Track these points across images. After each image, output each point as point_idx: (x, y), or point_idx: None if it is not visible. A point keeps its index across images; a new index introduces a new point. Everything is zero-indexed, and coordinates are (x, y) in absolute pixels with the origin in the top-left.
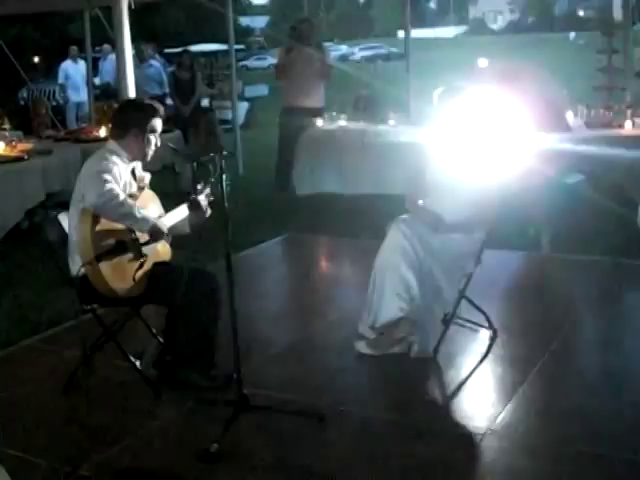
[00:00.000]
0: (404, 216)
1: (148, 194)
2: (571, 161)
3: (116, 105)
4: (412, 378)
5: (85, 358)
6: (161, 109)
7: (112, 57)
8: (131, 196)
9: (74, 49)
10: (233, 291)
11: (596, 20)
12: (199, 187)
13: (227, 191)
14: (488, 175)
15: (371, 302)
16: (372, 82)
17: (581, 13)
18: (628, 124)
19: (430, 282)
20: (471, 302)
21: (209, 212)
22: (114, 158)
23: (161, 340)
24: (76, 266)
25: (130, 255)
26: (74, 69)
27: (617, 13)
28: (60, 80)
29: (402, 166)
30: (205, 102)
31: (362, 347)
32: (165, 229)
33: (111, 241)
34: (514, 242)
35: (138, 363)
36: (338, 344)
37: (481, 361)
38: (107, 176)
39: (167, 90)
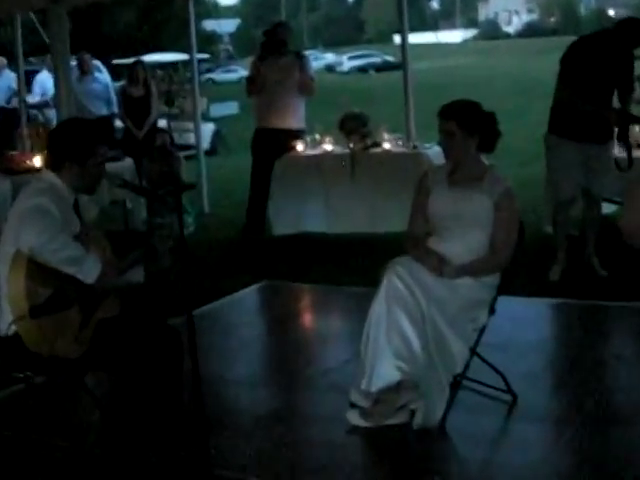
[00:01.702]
0: (402, 258)
1: (94, 235)
2: None
3: (53, 128)
4: (415, 455)
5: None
6: (108, 133)
7: (46, 72)
8: (75, 237)
9: (1, 60)
10: (196, 354)
11: None
12: (155, 226)
13: (190, 232)
14: (505, 206)
15: (365, 363)
16: (363, 97)
17: (611, 12)
18: None
19: (435, 337)
20: (484, 360)
21: (168, 258)
22: (51, 192)
23: (109, 413)
24: (5, 323)
25: (72, 309)
26: None
27: None
28: None
29: (399, 199)
30: (162, 123)
31: (355, 418)
32: (115, 278)
33: (49, 292)
34: (523, 284)
35: None
36: (326, 414)
37: (500, 433)
38: (45, 213)
39: (116, 110)
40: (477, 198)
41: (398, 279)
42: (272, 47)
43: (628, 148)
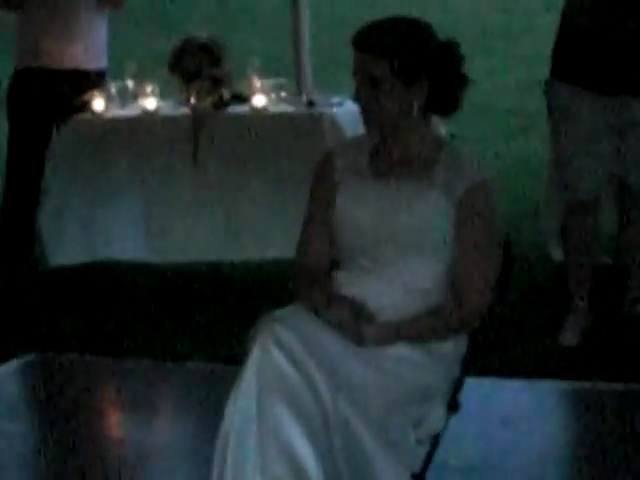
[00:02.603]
0: (286, 311)
1: None
2: None
3: None
4: None
5: None
6: None
7: None
8: None
9: None
10: None
11: None
12: None
13: None
14: (476, 213)
15: None
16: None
17: None
18: None
19: (347, 456)
20: None
21: None
22: None
23: None
24: None
25: None
26: None
27: None
28: None
29: (281, 200)
30: None
31: None
32: None
33: None
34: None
35: None
36: None
37: None
38: None
39: None
40: (425, 198)
41: (280, 351)
42: None
43: None
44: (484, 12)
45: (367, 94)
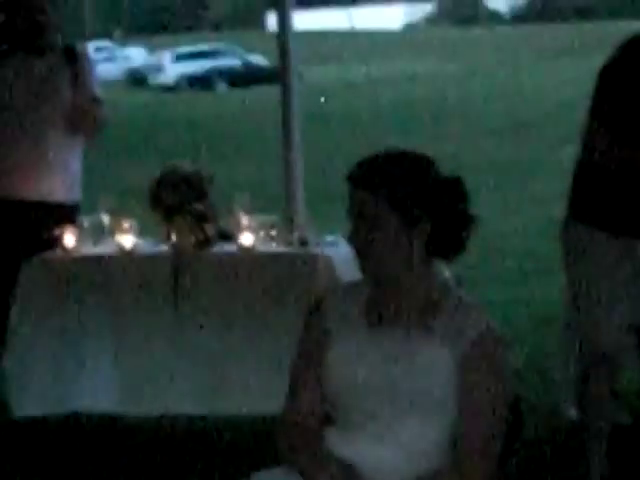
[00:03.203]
0: (271, 473)
1: None
2: None
3: None
4: None
5: None
6: None
7: None
8: None
9: None
10: None
11: None
12: None
13: None
14: (483, 367)
15: None
16: (204, 140)
17: None
18: None
19: None
20: None
21: None
22: None
23: None
24: None
25: None
26: None
27: None
28: None
29: (269, 350)
30: None
31: None
32: None
33: None
34: None
35: None
36: None
37: None
38: None
39: None
40: (426, 352)
41: None
42: (17, 36)
43: None
44: (495, 146)
45: (363, 235)
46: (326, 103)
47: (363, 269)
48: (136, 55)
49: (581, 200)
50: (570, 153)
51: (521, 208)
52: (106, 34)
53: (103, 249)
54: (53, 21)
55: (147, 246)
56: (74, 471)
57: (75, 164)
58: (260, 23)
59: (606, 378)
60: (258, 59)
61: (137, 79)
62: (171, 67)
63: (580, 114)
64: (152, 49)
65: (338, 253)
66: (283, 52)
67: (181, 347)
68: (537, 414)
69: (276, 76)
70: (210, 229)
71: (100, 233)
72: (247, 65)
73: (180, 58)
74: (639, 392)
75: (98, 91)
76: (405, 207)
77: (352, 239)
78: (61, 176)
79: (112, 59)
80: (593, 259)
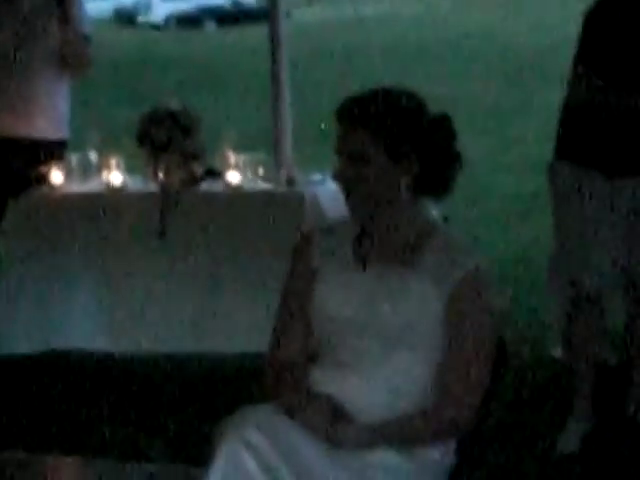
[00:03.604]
0: (257, 410)
1: None
2: None
3: None
4: None
5: None
6: None
7: None
8: None
9: None
10: None
11: None
12: None
13: None
14: (469, 306)
15: None
16: (191, 78)
17: None
18: None
19: None
20: None
21: None
22: None
23: None
24: None
25: None
26: None
27: None
28: None
29: (257, 288)
30: None
31: None
32: None
33: None
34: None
35: None
36: None
37: None
38: None
39: None
40: (413, 289)
41: (248, 453)
42: None
43: None
44: (483, 87)
45: (350, 172)
46: (315, 41)
47: (350, 204)
48: None
49: (568, 140)
50: (558, 95)
51: (508, 149)
52: None
53: (91, 186)
54: None
55: (135, 183)
56: (60, 407)
57: (63, 102)
58: None
59: (592, 318)
60: None
61: (126, 17)
62: (160, 5)
63: (568, 56)
64: None
65: (325, 191)
66: None
67: (169, 284)
68: (523, 353)
69: (264, 15)
70: (197, 167)
71: (88, 170)
72: (236, 4)
73: None
74: (625, 333)
75: (87, 29)
76: (392, 144)
77: (339, 176)
78: (49, 113)
79: None
80: (581, 201)
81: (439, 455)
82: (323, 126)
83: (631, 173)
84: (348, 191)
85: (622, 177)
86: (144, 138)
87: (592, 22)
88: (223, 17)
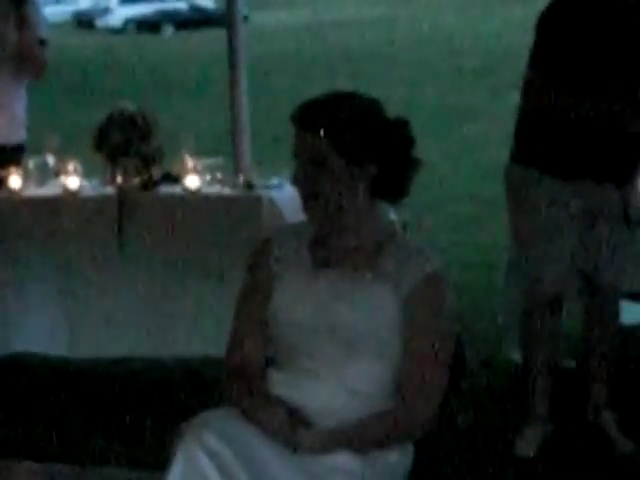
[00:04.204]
0: (215, 414)
1: None
2: None
3: None
4: None
5: None
6: None
7: None
8: None
9: None
10: None
11: None
12: None
13: None
14: (426, 309)
15: None
16: (149, 81)
17: None
18: None
19: None
20: None
21: None
22: None
23: None
24: None
25: None
26: None
27: None
28: None
29: (213, 291)
30: None
31: None
32: None
33: None
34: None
35: None
36: None
37: None
38: None
39: None
40: (370, 293)
41: (207, 458)
42: None
43: None
44: (441, 91)
45: (308, 176)
46: (273, 46)
47: (307, 208)
48: None
49: (524, 144)
50: (514, 99)
51: (464, 153)
52: None
53: (48, 190)
54: None
55: (92, 187)
56: (17, 411)
57: (19, 105)
58: None
59: (548, 320)
60: (205, 2)
61: (84, 22)
62: (118, 10)
63: (524, 61)
64: None
65: (283, 195)
66: None
67: (128, 288)
68: (481, 355)
69: (223, 20)
70: (155, 171)
71: (45, 174)
72: (194, 8)
73: (127, 1)
74: (582, 335)
75: (44, 33)
76: (349, 148)
77: (296, 180)
78: (5, 117)
79: (59, 1)
80: (536, 201)
81: (397, 458)
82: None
83: (584, 176)
84: (306, 195)
85: (576, 180)
86: (101, 142)
87: (543, 26)
88: (181, 22)
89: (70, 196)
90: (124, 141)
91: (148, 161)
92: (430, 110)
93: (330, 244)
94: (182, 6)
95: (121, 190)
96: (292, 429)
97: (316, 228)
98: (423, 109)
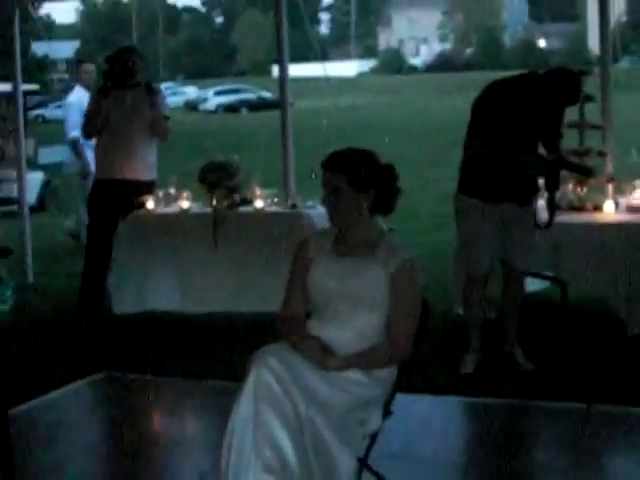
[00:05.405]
0: (275, 346)
1: None
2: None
3: None
4: None
5: None
6: None
7: None
8: None
9: None
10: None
11: (564, 53)
12: None
13: (5, 309)
14: (404, 281)
15: (226, 479)
16: (232, 142)
17: (542, 43)
18: (609, 206)
19: (316, 447)
20: (377, 475)
21: None
22: None
23: None
24: None
25: None
26: None
27: (593, 44)
28: None
29: (273, 271)
30: None
31: None
32: None
33: None
34: (427, 379)
35: None
36: None
37: None
38: None
39: None
40: (370, 271)
41: (269, 373)
42: (117, 77)
43: (550, 201)
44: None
45: (331, 199)
46: (309, 122)
47: (331, 219)
48: (191, 91)
49: (465, 180)
50: (457, 152)
51: (427, 187)
52: (172, 77)
53: (171, 210)
54: (138, 68)
55: (198, 208)
56: (151, 345)
57: (152, 156)
58: (268, 71)
59: (478, 289)
60: (267, 94)
61: (191, 107)
62: (213, 99)
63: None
64: (201, 87)
65: (316, 212)
66: (282, 90)
67: (220, 269)
68: (437, 311)
69: (278, 104)
70: (237, 197)
71: (169, 200)
72: (260, 97)
73: (219, 93)
74: (501, 297)
75: (167, 112)
76: (357, 181)
77: (324, 202)
78: (144, 164)
79: (176, 94)
80: (474, 218)
81: (387, 372)
82: (313, 176)
83: (503, 200)
84: (330, 211)
85: (498, 202)
86: (203, 179)
87: (476, 106)
88: (253, 106)
89: (184, 213)
90: (217, 179)
91: (232, 191)
92: (406, 158)
93: (345, 241)
94: (253, 96)
95: (215, 210)
96: (322, 356)
97: (336, 231)
98: (401, 158)
